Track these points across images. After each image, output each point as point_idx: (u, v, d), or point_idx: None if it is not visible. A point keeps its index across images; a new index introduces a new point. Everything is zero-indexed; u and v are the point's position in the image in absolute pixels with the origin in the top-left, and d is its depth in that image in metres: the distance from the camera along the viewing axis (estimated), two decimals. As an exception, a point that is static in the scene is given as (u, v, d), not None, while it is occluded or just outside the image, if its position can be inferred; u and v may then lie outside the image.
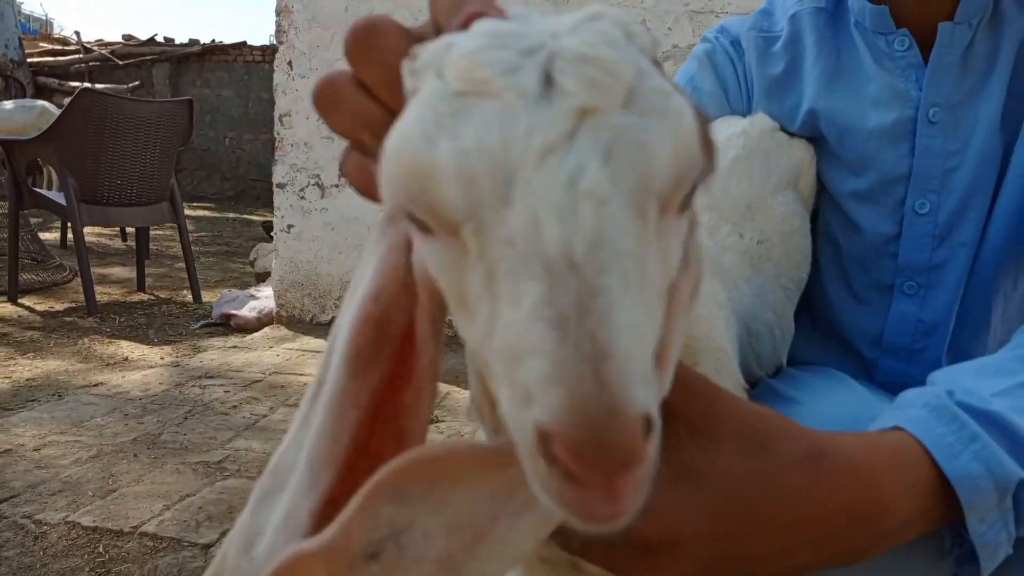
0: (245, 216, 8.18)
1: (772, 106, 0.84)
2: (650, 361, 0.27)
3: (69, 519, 1.58)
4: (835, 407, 0.68)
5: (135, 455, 1.91)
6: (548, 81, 0.27)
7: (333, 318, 3.19)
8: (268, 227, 6.65)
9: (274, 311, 3.39)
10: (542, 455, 0.25)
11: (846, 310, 0.85)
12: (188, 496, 1.69)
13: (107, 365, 2.83)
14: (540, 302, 0.25)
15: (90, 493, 1.69)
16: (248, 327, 3.43)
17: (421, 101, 0.29)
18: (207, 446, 1.99)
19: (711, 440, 0.43)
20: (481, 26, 0.29)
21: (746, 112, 0.87)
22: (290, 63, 3.24)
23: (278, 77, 3.26)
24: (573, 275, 0.25)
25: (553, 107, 0.26)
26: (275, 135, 3.29)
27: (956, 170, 0.75)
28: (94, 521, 1.57)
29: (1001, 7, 0.73)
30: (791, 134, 0.83)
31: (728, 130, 0.79)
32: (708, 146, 0.30)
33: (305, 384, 2.53)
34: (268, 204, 9.78)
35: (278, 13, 3.23)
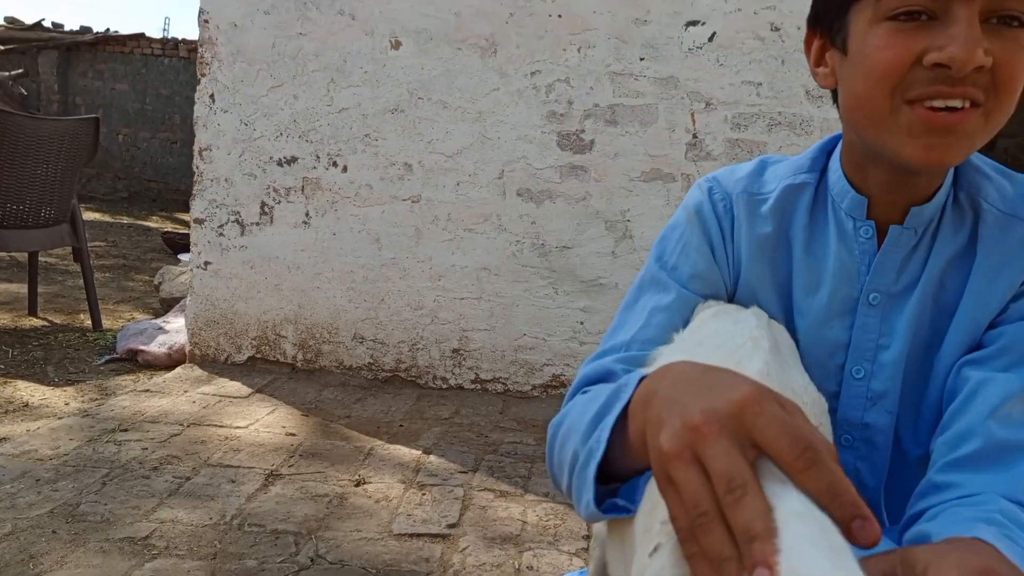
0: (141, 222, 7.79)
1: (761, 262, 0.93)
2: None
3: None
4: None
5: (54, 531, 1.83)
6: None
7: (249, 358, 3.13)
8: (169, 239, 6.36)
9: (186, 348, 3.29)
10: None
11: None
12: (117, 581, 1.65)
13: (6, 413, 2.67)
14: None
15: (9, 581, 1.62)
16: (157, 363, 3.31)
17: None
18: (130, 517, 1.93)
19: None
20: None
21: (729, 266, 0.94)
22: (212, 96, 3.15)
23: (199, 110, 3.16)
24: None
25: None
26: (194, 168, 3.20)
27: (886, 349, 0.88)
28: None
29: (943, 224, 0.85)
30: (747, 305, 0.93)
31: (738, 335, 0.80)
32: None
33: (226, 438, 2.48)
34: (165, 208, 9.30)
35: (201, 44, 3.14)
